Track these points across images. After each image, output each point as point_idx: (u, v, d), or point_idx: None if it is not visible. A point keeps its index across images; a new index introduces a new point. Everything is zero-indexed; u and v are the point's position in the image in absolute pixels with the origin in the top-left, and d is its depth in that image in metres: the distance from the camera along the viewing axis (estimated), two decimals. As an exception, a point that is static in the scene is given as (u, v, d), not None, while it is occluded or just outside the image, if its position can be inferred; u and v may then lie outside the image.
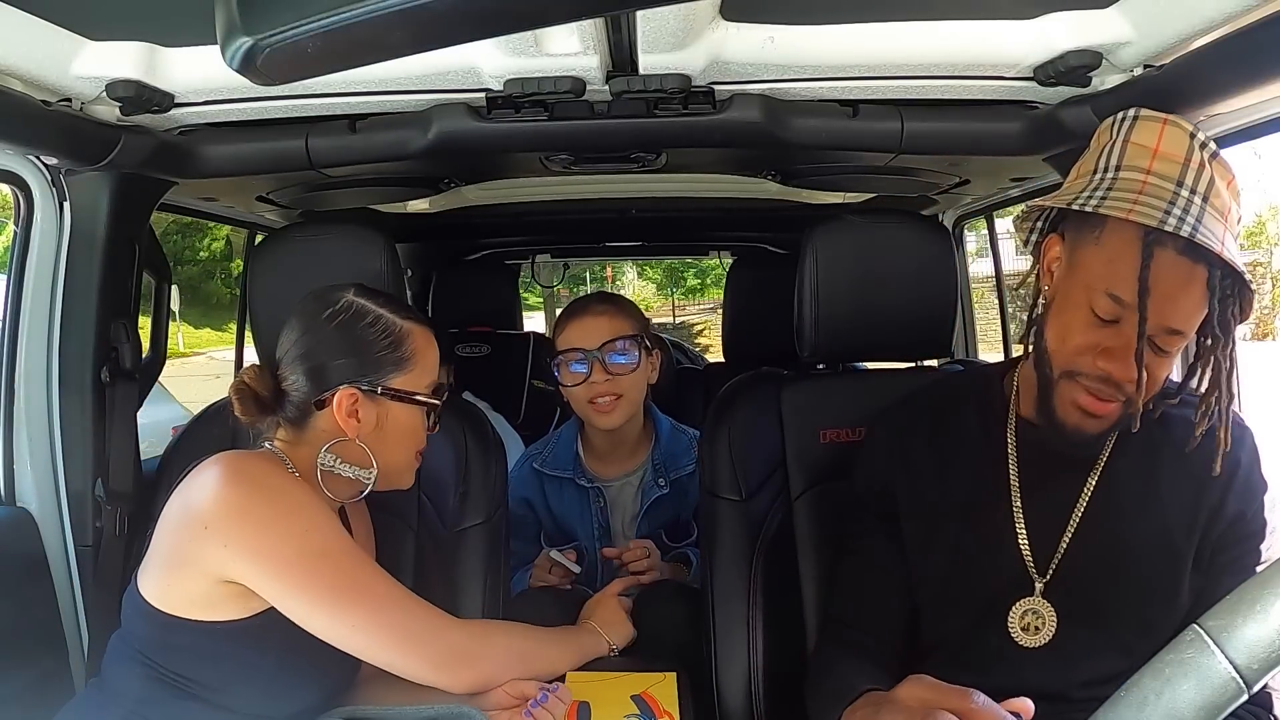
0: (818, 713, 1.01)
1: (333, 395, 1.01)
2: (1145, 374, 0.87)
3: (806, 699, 1.06)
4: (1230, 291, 0.87)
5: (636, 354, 1.54)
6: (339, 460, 1.03)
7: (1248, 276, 0.85)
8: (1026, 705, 0.74)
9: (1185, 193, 0.85)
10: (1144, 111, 0.91)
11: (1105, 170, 0.91)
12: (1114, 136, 0.92)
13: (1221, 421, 0.91)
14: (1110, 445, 0.98)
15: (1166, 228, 0.83)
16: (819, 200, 2.10)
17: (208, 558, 0.93)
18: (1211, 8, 0.85)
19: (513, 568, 1.55)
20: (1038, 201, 0.97)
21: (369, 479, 1.03)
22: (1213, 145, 0.89)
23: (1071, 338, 0.92)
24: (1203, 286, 0.85)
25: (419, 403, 1.06)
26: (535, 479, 1.67)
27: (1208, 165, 0.87)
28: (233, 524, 0.93)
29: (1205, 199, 0.85)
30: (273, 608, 0.95)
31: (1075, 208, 0.89)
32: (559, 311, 1.82)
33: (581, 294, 1.81)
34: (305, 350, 1.03)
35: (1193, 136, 0.88)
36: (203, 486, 0.95)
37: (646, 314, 1.73)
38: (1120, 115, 0.93)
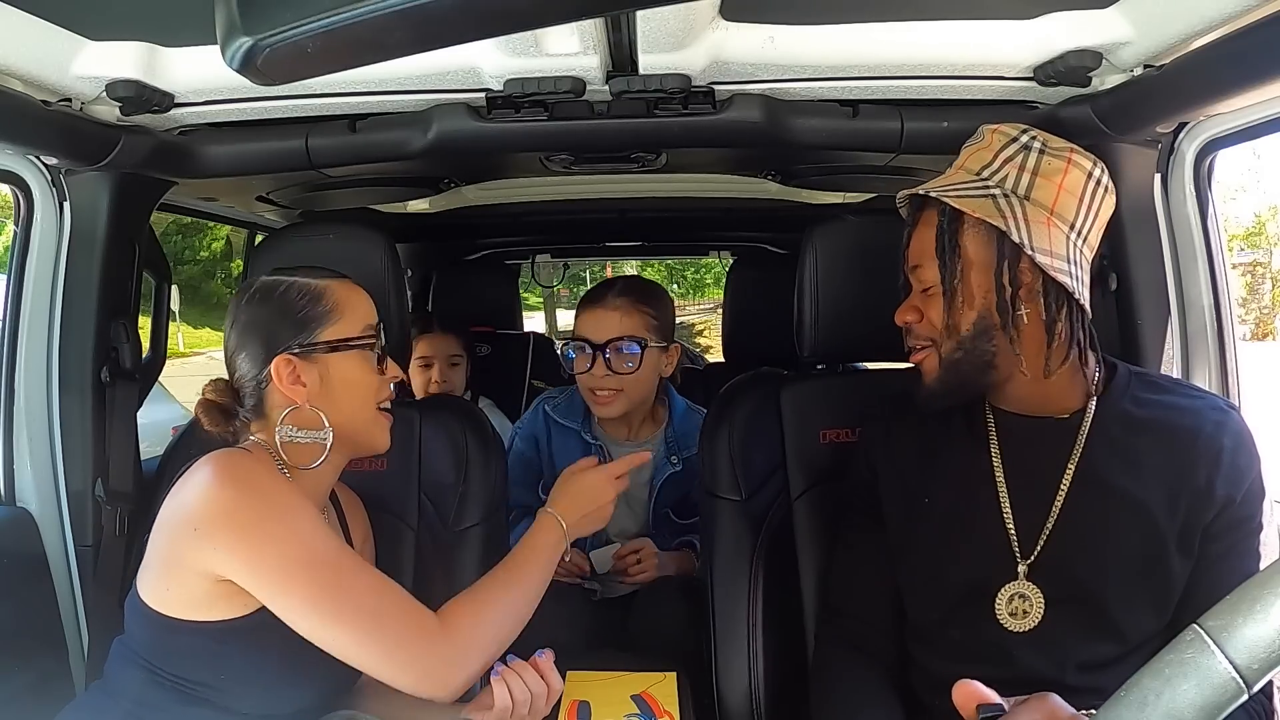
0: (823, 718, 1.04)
1: (269, 367, 1.01)
2: (921, 316, 1.00)
3: (812, 704, 1.08)
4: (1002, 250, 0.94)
5: (640, 355, 1.54)
6: (296, 429, 1.02)
7: (979, 215, 0.93)
8: None
9: (954, 170, 1.01)
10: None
11: None
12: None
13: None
14: (1087, 428, 0.99)
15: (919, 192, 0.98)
16: (819, 200, 2.10)
17: (198, 559, 0.93)
18: (1211, 8, 0.85)
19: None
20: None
21: (326, 439, 1.02)
22: (1022, 137, 0.97)
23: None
24: (930, 229, 0.98)
25: (352, 346, 1.04)
26: (544, 422, 1.69)
27: (986, 134, 1.00)
28: (220, 526, 0.93)
29: (964, 168, 0.99)
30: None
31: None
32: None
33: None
34: (239, 337, 1.04)
35: (1000, 136, 0.98)
36: (193, 488, 0.95)
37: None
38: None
